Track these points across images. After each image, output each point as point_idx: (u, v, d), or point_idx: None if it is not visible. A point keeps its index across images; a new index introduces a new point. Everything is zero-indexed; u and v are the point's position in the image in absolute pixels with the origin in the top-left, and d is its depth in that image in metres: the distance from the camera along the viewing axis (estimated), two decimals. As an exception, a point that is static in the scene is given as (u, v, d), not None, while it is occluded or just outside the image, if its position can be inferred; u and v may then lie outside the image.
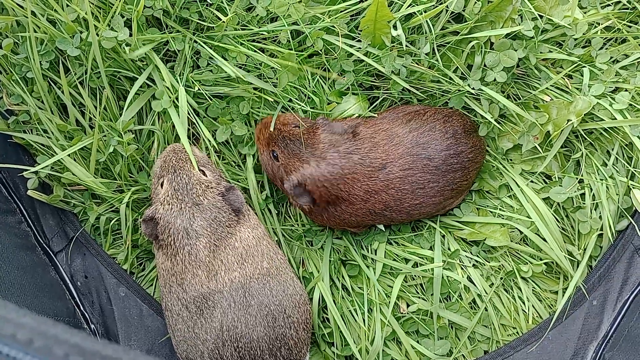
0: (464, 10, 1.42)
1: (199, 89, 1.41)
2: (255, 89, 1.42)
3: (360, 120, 1.42)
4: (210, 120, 1.46)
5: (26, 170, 1.43)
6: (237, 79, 1.39)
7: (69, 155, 1.39)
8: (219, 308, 1.24)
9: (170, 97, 1.39)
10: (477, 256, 1.50)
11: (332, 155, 1.32)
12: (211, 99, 1.42)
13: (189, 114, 1.41)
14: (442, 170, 1.38)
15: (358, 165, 1.33)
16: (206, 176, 1.33)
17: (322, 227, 1.53)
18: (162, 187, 1.32)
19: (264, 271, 1.30)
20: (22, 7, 1.32)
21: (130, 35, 1.33)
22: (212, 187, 1.31)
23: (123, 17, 1.34)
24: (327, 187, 1.33)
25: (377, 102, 1.52)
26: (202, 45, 1.40)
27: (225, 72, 1.39)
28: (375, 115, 1.47)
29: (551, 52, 1.48)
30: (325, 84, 1.47)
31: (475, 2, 1.41)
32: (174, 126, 1.41)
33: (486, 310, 1.46)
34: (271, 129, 1.36)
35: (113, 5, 1.36)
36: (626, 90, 1.45)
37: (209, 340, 1.25)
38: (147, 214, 1.30)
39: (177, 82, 1.41)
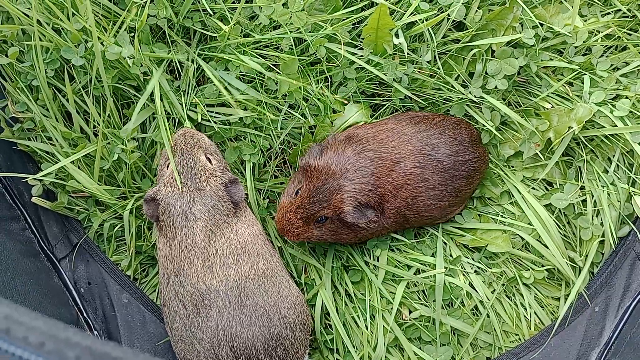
0: (465, 19, 1.43)
1: (202, 113, 1.42)
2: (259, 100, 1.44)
3: (336, 133, 1.43)
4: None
5: (27, 177, 1.43)
6: (240, 91, 1.42)
7: (73, 162, 1.40)
8: (215, 307, 1.25)
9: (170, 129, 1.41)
10: (479, 262, 1.50)
11: (350, 162, 1.32)
12: (216, 125, 1.44)
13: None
14: (450, 174, 1.39)
15: (376, 159, 1.33)
16: (212, 164, 1.35)
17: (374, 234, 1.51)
18: (167, 169, 1.34)
19: (260, 272, 1.31)
20: (28, 16, 1.34)
21: (132, 43, 1.34)
22: (216, 176, 1.33)
23: (130, 32, 1.36)
24: (371, 189, 1.32)
25: (381, 109, 1.53)
26: (205, 64, 1.41)
27: (228, 85, 1.41)
28: (374, 121, 1.48)
29: (552, 60, 1.49)
30: (328, 91, 1.48)
31: (477, 11, 1.42)
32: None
33: (488, 316, 1.47)
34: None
35: (118, 15, 1.37)
36: (627, 97, 1.46)
37: (205, 340, 1.26)
38: (149, 194, 1.32)
39: (182, 107, 1.43)
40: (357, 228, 1.37)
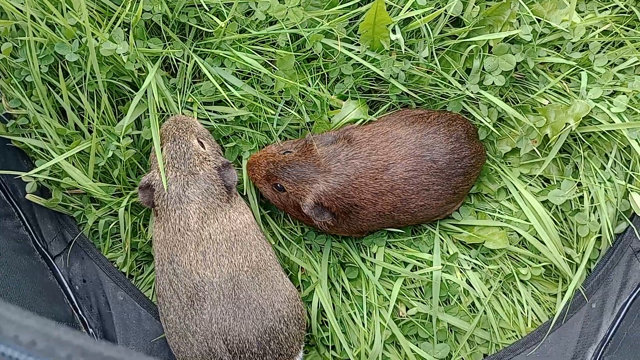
0: (462, 15, 1.43)
1: (199, 108, 1.41)
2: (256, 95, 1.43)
3: (349, 126, 1.45)
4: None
5: (21, 174, 1.42)
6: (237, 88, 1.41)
7: (67, 159, 1.39)
8: (209, 300, 1.25)
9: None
10: (476, 259, 1.50)
11: (336, 166, 1.34)
12: (213, 123, 1.43)
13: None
14: (446, 173, 1.39)
15: (361, 169, 1.34)
16: (204, 148, 1.36)
17: (321, 231, 1.53)
18: (161, 154, 1.33)
19: (253, 264, 1.31)
20: (21, 11, 1.32)
21: (127, 39, 1.33)
22: (209, 160, 1.34)
23: (125, 27, 1.35)
24: (341, 197, 1.34)
25: (379, 107, 1.52)
26: (200, 61, 1.41)
27: (225, 82, 1.41)
28: (375, 119, 1.48)
29: (549, 55, 1.49)
30: (324, 88, 1.47)
31: (474, 6, 1.42)
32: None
33: (485, 313, 1.46)
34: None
35: (113, 10, 1.36)
36: (624, 93, 1.46)
37: (199, 333, 1.26)
38: (144, 180, 1.33)
39: (178, 105, 1.42)
40: (309, 219, 1.40)
